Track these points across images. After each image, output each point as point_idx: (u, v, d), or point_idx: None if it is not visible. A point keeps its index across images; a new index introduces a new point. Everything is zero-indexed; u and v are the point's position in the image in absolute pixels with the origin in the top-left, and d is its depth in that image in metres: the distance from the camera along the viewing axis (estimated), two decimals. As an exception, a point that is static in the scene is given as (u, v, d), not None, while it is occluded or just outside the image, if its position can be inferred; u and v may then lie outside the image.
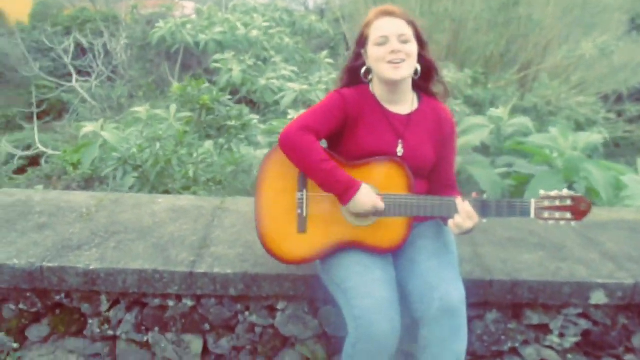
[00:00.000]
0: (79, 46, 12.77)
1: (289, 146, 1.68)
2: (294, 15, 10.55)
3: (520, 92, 11.42)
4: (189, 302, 2.03)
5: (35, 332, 2.10)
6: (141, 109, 4.36)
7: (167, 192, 3.36)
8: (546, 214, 1.65)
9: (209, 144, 3.57)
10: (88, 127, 3.99)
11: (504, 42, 14.13)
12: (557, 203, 1.64)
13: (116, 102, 9.38)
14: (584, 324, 2.07)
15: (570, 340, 2.09)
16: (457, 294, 1.61)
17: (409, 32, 1.72)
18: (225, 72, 6.28)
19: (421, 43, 1.77)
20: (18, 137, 14.32)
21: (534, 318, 2.05)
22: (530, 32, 14.19)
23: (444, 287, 1.61)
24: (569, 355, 2.12)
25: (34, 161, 11.58)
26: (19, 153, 11.94)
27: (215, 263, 1.99)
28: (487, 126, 3.19)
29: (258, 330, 2.08)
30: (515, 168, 3.22)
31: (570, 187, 3.14)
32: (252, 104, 6.67)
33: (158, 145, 3.02)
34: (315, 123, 1.70)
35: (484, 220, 1.70)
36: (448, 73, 7.83)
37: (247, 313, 2.05)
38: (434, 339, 1.62)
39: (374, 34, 1.74)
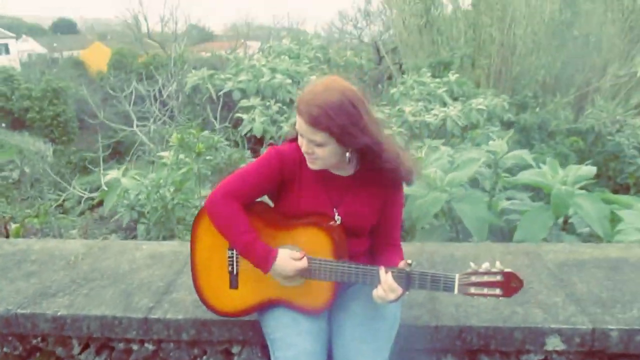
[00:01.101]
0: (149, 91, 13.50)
1: (212, 214, 1.72)
2: (329, 52, 10.75)
3: (573, 116, 10.98)
4: (151, 346, 2.13)
5: (20, 373, 2.27)
6: (165, 154, 4.59)
7: (172, 236, 3.53)
8: (472, 289, 1.56)
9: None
10: (111, 174, 4.26)
11: (558, 64, 13.71)
12: (486, 279, 1.56)
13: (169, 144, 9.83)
14: (547, 370, 1.98)
15: (534, 388, 2.00)
16: None
17: (319, 138, 1.56)
18: (249, 122, 6.46)
19: (343, 141, 1.58)
20: (89, 179, 15.39)
21: (491, 364, 1.99)
22: (586, 53, 13.68)
23: None
24: (535, 403, 2.03)
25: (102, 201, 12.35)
26: (86, 195, 12.76)
27: (171, 309, 2.09)
28: (478, 160, 3.12)
29: (217, 374, 2.14)
30: (511, 204, 3.13)
31: (565, 222, 3.01)
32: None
33: (157, 192, 3.20)
34: (243, 188, 1.71)
35: (407, 292, 1.64)
36: (484, 100, 7.70)
37: (204, 357, 2.12)
38: None
39: None
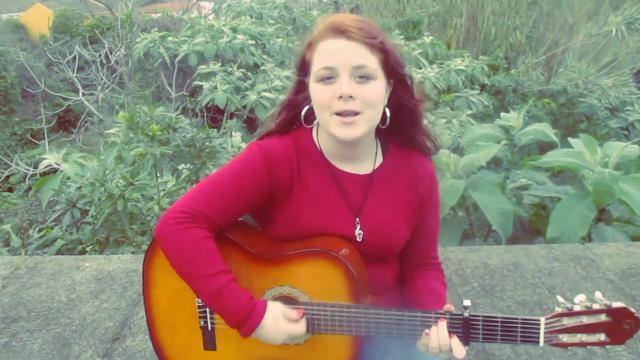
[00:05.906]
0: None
1: (165, 245, 1.08)
2: (294, 11, 9.87)
3: (545, 77, 10.70)
4: (100, 414, 1.57)
5: None
6: (114, 131, 3.86)
7: (124, 241, 2.87)
8: (566, 338, 1.02)
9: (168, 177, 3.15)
10: (48, 159, 3.56)
11: (531, 23, 13.43)
12: (585, 321, 1.01)
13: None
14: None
15: None
16: None
17: (371, 62, 1.04)
18: (208, 91, 5.62)
19: (395, 75, 1.08)
20: (34, 153, 14.24)
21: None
22: (556, 10, 13.52)
23: None
24: None
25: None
26: (30, 171, 11.80)
27: (125, 365, 1.52)
28: (500, 138, 2.61)
29: None
30: (532, 190, 2.65)
31: (603, 212, 2.55)
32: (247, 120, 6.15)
33: (101, 190, 2.54)
34: (213, 205, 1.09)
35: (466, 348, 1.05)
36: (462, 62, 7.20)
37: None
38: None
39: (316, 62, 1.06)
